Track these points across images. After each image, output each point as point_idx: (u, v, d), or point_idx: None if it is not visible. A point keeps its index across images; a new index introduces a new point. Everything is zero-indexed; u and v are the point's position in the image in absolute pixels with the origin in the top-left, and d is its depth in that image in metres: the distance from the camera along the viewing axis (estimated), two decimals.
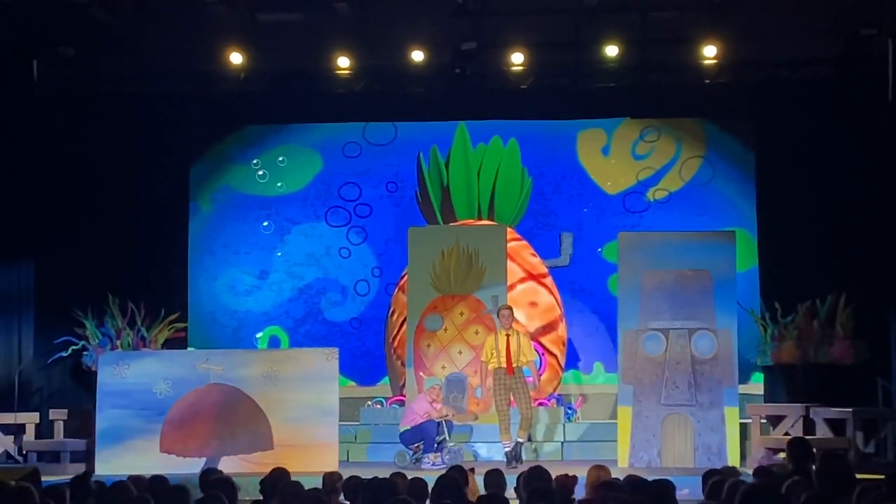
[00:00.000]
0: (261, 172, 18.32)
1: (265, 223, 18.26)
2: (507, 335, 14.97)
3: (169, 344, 17.15)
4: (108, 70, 17.65)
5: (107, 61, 17.52)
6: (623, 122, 18.09)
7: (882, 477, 9.12)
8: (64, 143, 17.22)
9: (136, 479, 9.05)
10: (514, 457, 14.65)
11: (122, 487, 8.47)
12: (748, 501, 6.58)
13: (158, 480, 9.17)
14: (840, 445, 14.50)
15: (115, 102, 17.65)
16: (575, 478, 8.98)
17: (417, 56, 16.98)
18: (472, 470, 9.54)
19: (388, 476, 9.52)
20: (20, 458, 15.70)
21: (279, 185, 18.29)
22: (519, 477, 9.04)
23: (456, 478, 8.69)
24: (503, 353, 14.84)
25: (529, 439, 15.33)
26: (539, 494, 7.82)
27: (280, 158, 18.34)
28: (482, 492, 8.85)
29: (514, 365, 14.84)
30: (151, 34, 16.72)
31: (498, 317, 15.35)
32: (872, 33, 15.91)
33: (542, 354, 17.19)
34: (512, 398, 14.85)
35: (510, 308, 15.36)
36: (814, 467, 8.30)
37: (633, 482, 8.44)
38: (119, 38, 16.82)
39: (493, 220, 17.84)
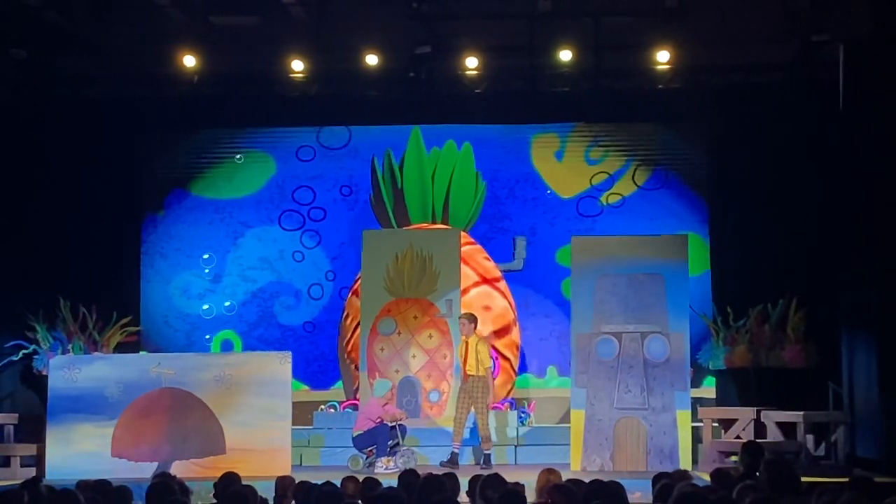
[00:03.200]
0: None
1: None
2: (466, 342, 15.23)
3: (121, 348, 17.03)
4: (61, 73, 17.53)
5: (60, 64, 17.40)
6: (577, 127, 18.13)
7: (835, 480, 9.23)
8: (15, 145, 17.08)
9: (84, 485, 9.00)
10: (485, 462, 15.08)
11: (69, 494, 8.40)
12: None
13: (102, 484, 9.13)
14: (791, 448, 14.60)
15: (67, 105, 17.54)
16: (522, 486, 9.01)
17: (372, 60, 16.94)
18: (430, 474, 9.53)
19: (340, 480, 9.56)
20: None
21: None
22: (472, 482, 9.05)
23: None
24: (462, 360, 15.15)
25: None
26: (507, 499, 7.81)
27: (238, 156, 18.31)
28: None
29: (469, 373, 15.12)
30: (105, 37, 16.63)
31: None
32: (824, 39, 16.01)
33: (496, 358, 17.22)
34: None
35: (465, 316, 15.53)
36: (757, 474, 8.38)
37: (590, 485, 8.46)
38: (72, 40, 16.70)
39: (447, 224, 17.85)
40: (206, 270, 18.13)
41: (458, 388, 15.47)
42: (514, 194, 18.11)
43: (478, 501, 8.44)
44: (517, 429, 16.28)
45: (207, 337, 18.03)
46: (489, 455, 15.25)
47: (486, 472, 9.58)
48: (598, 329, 15.18)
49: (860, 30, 15.71)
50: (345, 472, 12.08)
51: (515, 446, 16.10)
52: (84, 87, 17.69)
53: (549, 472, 9.14)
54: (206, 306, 18.06)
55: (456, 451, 15.21)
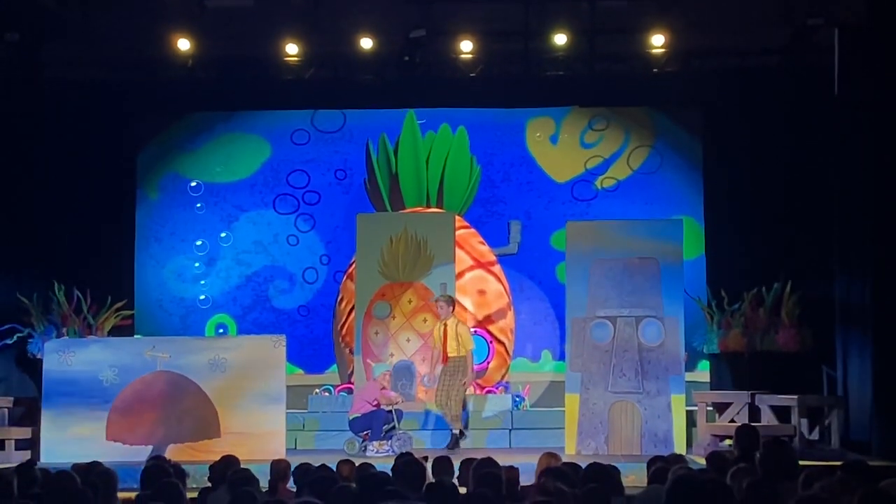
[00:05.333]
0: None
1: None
2: (444, 325, 15.16)
3: (115, 331, 17.02)
4: (55, 56, 17.46)
5: (53, 47, 17.33)
6: (571, 111, 18.11)
7: (826, 464, 9.23)
8: (8, 129, 17.04)
9: (80, 468, 9.00)
10: (451, 444, 14.98)
11: (66, 476, 8.41)
12: (676, 490, 6.56)
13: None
14: (785, 432, 14.60)
15: (61, 89, 17.50)
16: (517, 470, 9.02)
17: (366, 43, 16.92)
18: (426, 458, 9.55)
19: (335, 464, 9.57)
20: None
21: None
22: (464, 464, 9.06)
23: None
24: (440, 342, 15.07)
25: (461, 433, 15.30)
26: (486, 480, 7.83)
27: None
28: (431, 479, 8.87)
29: (449, 354, 15.11)
30: (98, 20, 16.57)
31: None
32: (819, 23, 16.00)
33: (491, 342, 17.24)
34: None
35: (444, 298, 15.46)
36: (757, 454, 8.39)
37: (586, 469, 8.47)
38: (66, 24, 16.65)
39: (441, 208, 17.84)
40: (200, 255, 18.14)
41: (440, 371, 15.26)
42: (509, 178, 18.09)
43: (470, 484, 8.45)
44: (511, 413, 16.28)
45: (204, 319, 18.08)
46: (457, 436, 15.11)
47: (453, 455, 9.57)
48: (592, 313, 15.18)
49: (854, 14, 15.72)
50: (340, 456, 12.13)
51: (510, 430, 16.10)
52: (78, 70, 17.63)
53: (550, 455, 9.16)
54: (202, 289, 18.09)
55: (455, 431, 15.11)
